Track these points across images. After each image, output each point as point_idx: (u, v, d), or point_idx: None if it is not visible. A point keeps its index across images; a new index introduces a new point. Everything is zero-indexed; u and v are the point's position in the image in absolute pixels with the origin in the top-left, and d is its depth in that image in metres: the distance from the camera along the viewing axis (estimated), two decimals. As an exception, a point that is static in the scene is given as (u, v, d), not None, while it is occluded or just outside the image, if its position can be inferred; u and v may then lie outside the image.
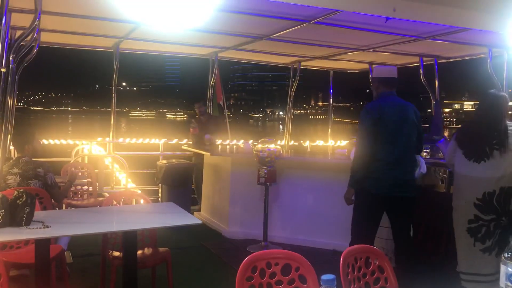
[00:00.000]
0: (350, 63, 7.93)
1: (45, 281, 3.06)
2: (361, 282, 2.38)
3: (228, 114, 8.92)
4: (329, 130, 9.82)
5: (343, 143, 9.39)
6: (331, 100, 10.30)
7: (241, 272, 2.21)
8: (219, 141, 7.68)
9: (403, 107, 4.05)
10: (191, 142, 7.63)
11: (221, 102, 8.40)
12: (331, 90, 9.73)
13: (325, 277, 1.16)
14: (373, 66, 4.22)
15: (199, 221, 3.31)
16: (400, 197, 3.94)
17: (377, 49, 6.39)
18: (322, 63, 8.08)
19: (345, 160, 5.50)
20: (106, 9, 4.59)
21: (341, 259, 2.30)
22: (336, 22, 4.84)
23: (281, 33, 5.47)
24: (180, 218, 3.48)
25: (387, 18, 4.03)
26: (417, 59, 7.07)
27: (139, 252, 3.60)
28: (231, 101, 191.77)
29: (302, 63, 8.24)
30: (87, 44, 7.13)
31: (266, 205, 5.49)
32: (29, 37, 4.68)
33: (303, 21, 4.85)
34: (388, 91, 4.05)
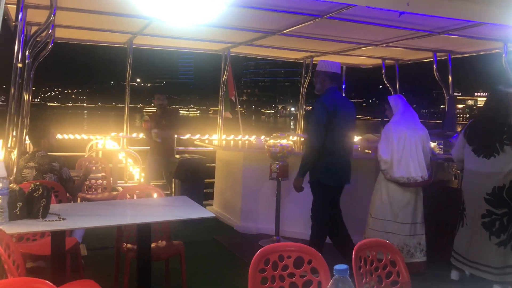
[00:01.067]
0: (363, 58, 7.89)
1: (60, 272, 3.11)
2: (373, 276, 2.39)
3: (240, 110, 8.93)
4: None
5: (355, 139, 9.35)
6: (343, 95, 10.25)
7: (254, 264, 2.23)
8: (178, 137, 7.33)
9: (349, 102, 4.46)
10: (144, 137, 7.23)
11: (233, 98, 8.41)
12: (343, 86, 9.69)
13: (338, 267, 1.17)
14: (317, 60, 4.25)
15: (212, 215, 3.35)
16: (345, 185, 4.43)
17: (390, 44, 6.35)
18: (334, 58, 8.04)
19: (357, 155, 5.49)
20: (120, 5, 4.63)
21: (353, 252, 2.31)
22: (349, 17, 4.82)
23: (293, 28, 5.47)
24: (194, 211, 3.52)
25: (401, 13, 4.03)
26: (430, 54, 7.00)
27: (153, 244, 3.64)
28: (244, 97, 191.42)
29: (315, 59, 8.21)
30: (101, 40, 7.19)
31: (278, 200, 5.50)
32: (44, 33, 4.75)
33: (316, 16, 4.84)
34: (334, 86, 4.35)
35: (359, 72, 9.45)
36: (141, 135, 7.70)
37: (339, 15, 4.69)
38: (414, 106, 5.01)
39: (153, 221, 3.40)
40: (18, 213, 2.99)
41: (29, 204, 3.04)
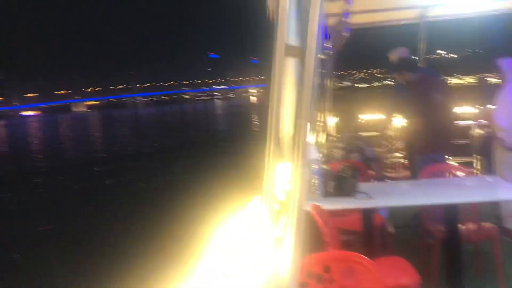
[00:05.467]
0: None
1: (371, 247, 3.31)
2: None
3: None
4: None
5: None
6: None
7: None
8: None
9: None
10: None
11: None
12: None
13: None
14: None
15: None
16: None
17: None
18: None
19: None
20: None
21: None
22: None
23: None
24: (506, 191, 3.22)
25: None
26: None
27: (462, 226, 3.47)
28: None
29: None
30: (393, 18, 7.19)
31: None
32: (341, 22, 5.06)
33: None
34: None
35: None
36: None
37: None
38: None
39: (463, 202, 3.22)
40: (331, 191, 3.31)
41: (339, 182, 3.34)
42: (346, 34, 6.05)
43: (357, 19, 6.74)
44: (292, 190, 1.39)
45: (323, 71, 4.91)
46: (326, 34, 5.19)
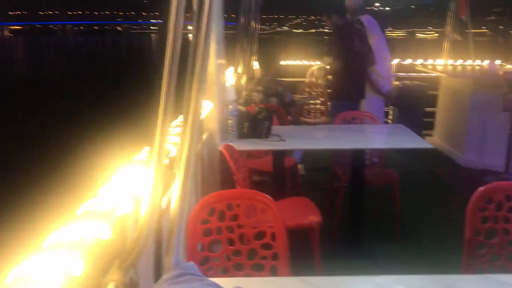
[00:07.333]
0: None
1: (280, 187, 3.41)
2: None
3: (485, 32, 7.89)
4: None
5: None
6: None
7: (474, 201, 2.04)
8: None
9: None
10: None
11: (463, 17, 7.47)
12: None
13: None
14: None
15: (430, 146, 3.16)
16: None
17: None
18: None
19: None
20: None
21: None
22: None
23: None
24: (410, 141, 3.39)
25: None
26: None
27: (367, 171, 3.65)
28: (492, 17, 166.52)
29: None
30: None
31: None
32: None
33: None
34: None
35: None
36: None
37: None
38: None
39: (368, 148, 3.37)
40: (245, 132, 3.32)
41: (254, 124, 3.35)
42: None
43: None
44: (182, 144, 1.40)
45: (248, 12, 4.80)
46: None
